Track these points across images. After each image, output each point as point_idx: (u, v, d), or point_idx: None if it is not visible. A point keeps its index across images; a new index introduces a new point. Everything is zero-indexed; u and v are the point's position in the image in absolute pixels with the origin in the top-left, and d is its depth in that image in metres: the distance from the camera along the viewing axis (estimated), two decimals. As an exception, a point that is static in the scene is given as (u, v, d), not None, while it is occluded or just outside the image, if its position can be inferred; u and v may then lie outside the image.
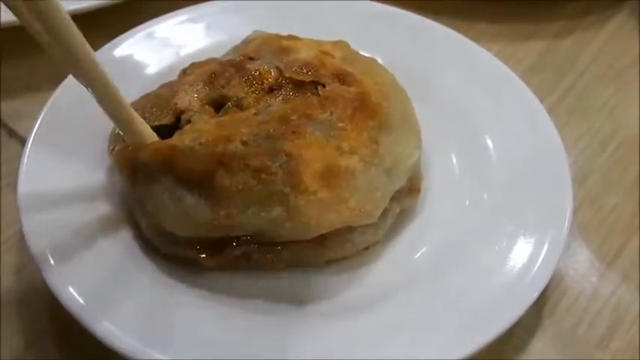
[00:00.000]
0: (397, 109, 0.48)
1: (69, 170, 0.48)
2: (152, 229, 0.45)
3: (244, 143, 0.43)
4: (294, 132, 0.43)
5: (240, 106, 0.47)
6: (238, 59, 0.50)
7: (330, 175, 0.43)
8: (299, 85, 0.47)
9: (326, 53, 0.50)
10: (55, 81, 0.53)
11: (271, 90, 0.47)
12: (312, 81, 0.47)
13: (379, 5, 0.62)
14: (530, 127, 0.52)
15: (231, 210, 0.42)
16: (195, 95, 0.47)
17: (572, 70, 0.66)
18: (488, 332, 0.41)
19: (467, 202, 0.49)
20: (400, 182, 0.47)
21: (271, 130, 0.43)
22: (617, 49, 0.68)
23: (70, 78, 0.51)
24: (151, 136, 0.45)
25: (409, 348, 0.40)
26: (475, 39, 0.60)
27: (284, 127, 0.44)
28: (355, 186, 0.44)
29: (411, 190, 0.49)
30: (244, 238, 0.44)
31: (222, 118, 0.46)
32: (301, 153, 0.43)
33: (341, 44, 0.52)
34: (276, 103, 0.46)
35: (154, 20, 0.60)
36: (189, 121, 0.46)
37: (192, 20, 0.60)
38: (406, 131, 0.48)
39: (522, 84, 0.55)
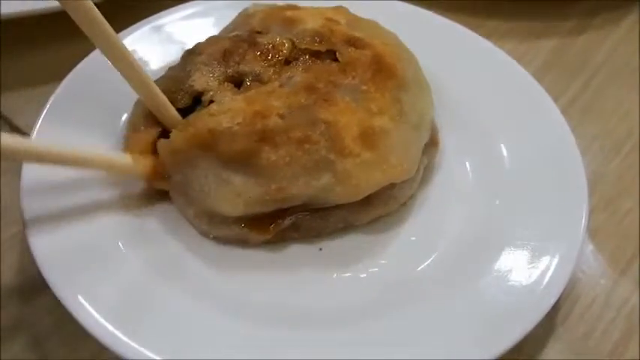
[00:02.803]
0: (409, 68, 0.50)
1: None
2: (201, 216, 0.45)
3: (281, 117, 0.44)
4: (325, 100, 0.45)
5: (260, 81, 0.47)
6: (246, 35, 0.50)
7: (368, 137, 0.44)
8: (316, 55, 0.48)
9: (331, 20, 0.50)
10: (57, 75, 0.52)
11: (287, 62, 0.48)
12: (328, 50, 0.48)
13: (390, 2, 0.60)
14: (546, 131, 0.51)
15: (282, 183, 0.43)
16: (211, 75, 0.47)
17: (584, 70, 0.65)
18: (499, 344, 0.40)
19: (481, 208, 0.48)
20: (426, 136, 0.49)
21: (302, 101, 0.44)
22: (630, 48, 0.67)
23: (71, 75, 0.52)
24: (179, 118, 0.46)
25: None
26: (486, 37, 0.59)
27: (314, 95, 0.45)
28: (392, 144, 0.45)
29: (432, 143, 0.51)
30: (295, 208, 0.45)
31: (248, 94, 0.46)
32: (337, 119, 0.44)
33: (341, 10, 0.53)
34: (297, 74, 0.47)
35: (160, 14, 0.59)
36: (211, 101, 0.46)
37: (198, 14, 0.59)
38: (420, 88, 0.50)
39: (538, 85, 0.54)
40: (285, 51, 0.48)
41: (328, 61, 0.48)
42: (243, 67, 0.47)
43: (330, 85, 0.45)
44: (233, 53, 0.48)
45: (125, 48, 0.44)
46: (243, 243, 0.45)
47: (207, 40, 0.51)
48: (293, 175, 0.43)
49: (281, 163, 0.43)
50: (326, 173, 0.43)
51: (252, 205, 0.44)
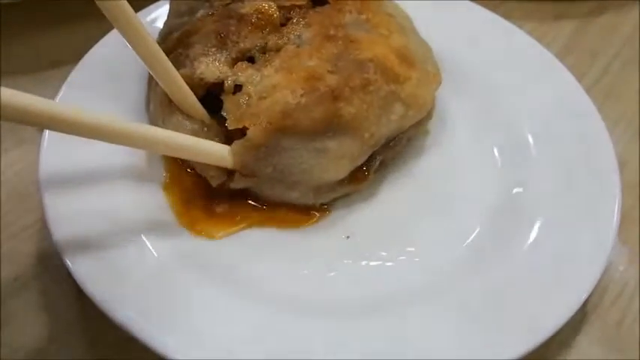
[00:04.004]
0: None
1: (90, 151, 0.45)
2: (307, 193, 0.46)
3: (332, 72, 0.44)
4: (351, 41, 0.46)
5: (268, 50, 0.46)
6: (222, 9, 0.48)
7: (404, 58, 0.47)
8: (304, 7, 0.48)
9: None
10: (61, 60, 0.51)
11: (282, 24, 0.47)
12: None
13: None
14: (574, 115, 0.51)
15: (372, 129, 0.45)
16: (217, 62, 0.46)
17: (605, 52, 0.64)
18: (535, 336, 0.39)
19: (508, 196, 0.48)
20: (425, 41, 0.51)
21: (335, 51, 0.45)
22: (651, 29, 0.66)
23: (83, 60, 0.51)
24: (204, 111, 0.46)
25: (454, 348, 0.39)
26: (505, 18, 0.58)
27: (339, 42, 0.45)
28: (418, 56, 0.48)
29: None
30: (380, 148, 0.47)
31: (274, 64, 0.45)
32: (375, 53, 0.45)
33: None
34: (303, 30, 0.47)
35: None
36: (237, 86, 0.45)
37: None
38: (395, 5, 0.52)
39: (565, 69, 0.53)
40: (275, 15, 0.47)
41: (317, 7, 0.48)
42: (244, 45, 0.46)
43: (339, 28, 0.46)
44: (228, 34, 0.46)
45: (147, 33, 0.42)
46: (347, 196, 0.48)
47: (169, 30, 0.49)
48: (375, 117, 0.45)
49: (361, 112, 0.44)
50: (396, 104, 0.46)
51: (355, 160, 0.45)
